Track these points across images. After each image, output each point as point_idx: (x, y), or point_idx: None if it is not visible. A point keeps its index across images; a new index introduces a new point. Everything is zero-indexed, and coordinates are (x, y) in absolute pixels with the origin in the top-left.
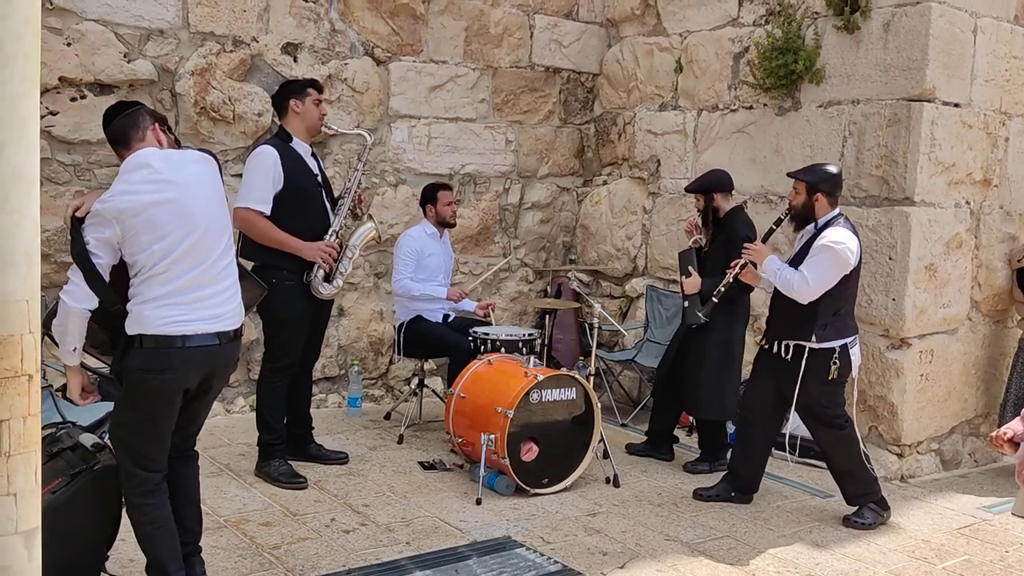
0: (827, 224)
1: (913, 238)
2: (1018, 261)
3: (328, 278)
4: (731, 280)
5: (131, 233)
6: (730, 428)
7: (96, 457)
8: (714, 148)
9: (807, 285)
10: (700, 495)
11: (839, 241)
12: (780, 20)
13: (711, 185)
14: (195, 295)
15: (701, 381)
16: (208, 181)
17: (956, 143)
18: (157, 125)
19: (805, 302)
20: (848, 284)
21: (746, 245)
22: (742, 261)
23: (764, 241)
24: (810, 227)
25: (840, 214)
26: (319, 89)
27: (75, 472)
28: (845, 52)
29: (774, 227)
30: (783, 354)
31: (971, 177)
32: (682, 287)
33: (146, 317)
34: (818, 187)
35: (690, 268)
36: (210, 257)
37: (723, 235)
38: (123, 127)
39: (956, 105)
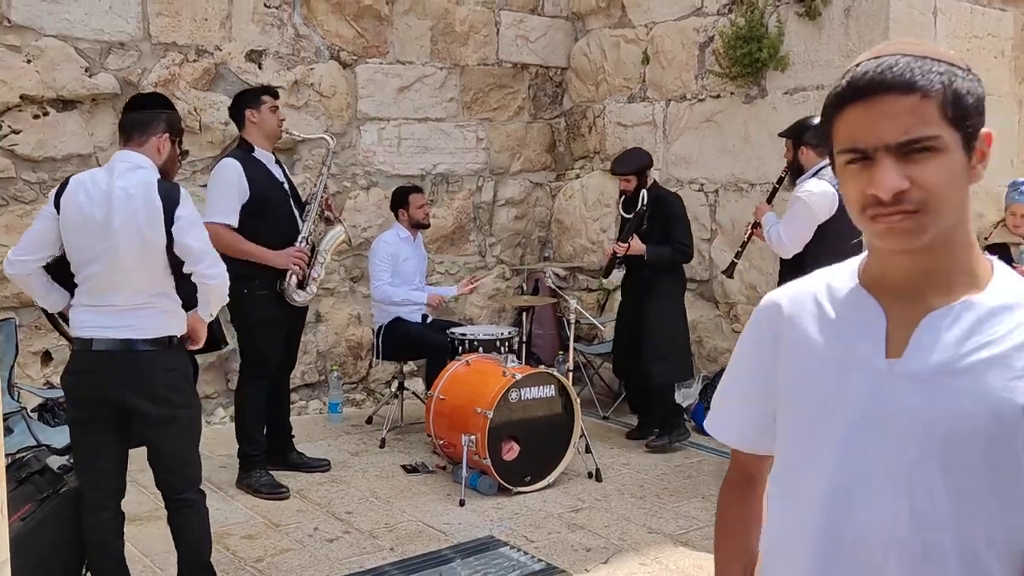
0: (811, 176)
1: None
2: (985, 239)
3: (301, 285)
4: (747, 240)
5: (64, 224)
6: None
7: (63, 479)
8: (684, 138)
9: (783, 240)
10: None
11: (809, 191)
12: (743, 9)
13: (645, 164)
14: (108, 304)
15: (658, 348)
16: (142, 215)
17: None
18: (166, 136)
19: (788, 256)
20: (825, 235)
21: (757, 206)
22: (753, 221)
23: (769, 201)
24: (801, 179)
25: (827, 164)
26: (274, 95)
27: (43, 496)
28: (808, 39)
29: (776, 185)
30: None
31: None
32: (615, 251)
33: (73, 321)
34: (802, 140)
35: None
36: (129, 284)
37: (660, 210)
38: (132, 122)
39: None
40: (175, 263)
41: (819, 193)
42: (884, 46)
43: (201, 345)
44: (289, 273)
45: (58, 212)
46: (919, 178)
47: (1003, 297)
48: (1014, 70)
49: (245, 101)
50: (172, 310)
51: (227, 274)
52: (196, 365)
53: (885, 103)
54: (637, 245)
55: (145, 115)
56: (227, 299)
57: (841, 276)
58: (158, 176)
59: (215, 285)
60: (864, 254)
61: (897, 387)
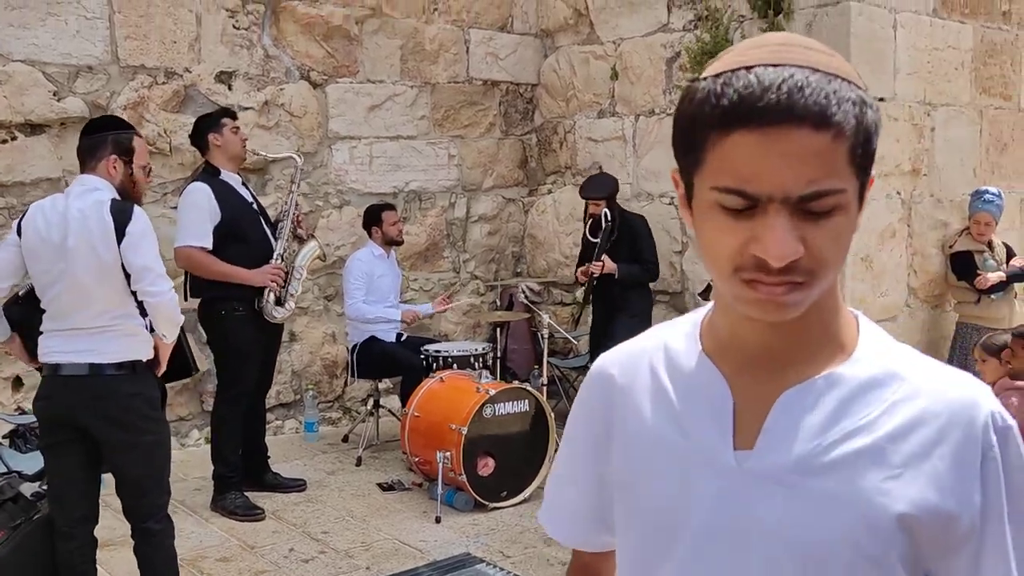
0: None
1: None
2: (950, 247)
3: (279, 301)
4: None
5: (25, 249)
6: None
7: (36, 507)
8: (653, 152)
9: None
10: None
11: None
12: (708, 24)
13: (615, 189)
14: (72, 328)
15: None
16: (96, 234)
17: (883, 136)
18: (115, 157)
19: None
20: None
21: None
22: None
23: None
24: None
25: None
26: (233, 117)
27: (16, 524)
28: None
29: None
30: None
31: (900, 168)
32: (591, 271)
33: (40, 347)
34: None
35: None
36: (91, 305)
37: (628, 230)
38: (82, 148)
39: (881, 99)
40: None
41: None
42: (781, 46)
43: (163, 370)
44: (267, 290)
45: (20, 238)
46: (813, 243)
47: (871, 367)
48: (974, 81)
49: (206, 126)
50: (136, 333)
51: (173, 293)
52: (164, 390)
53: (791, 139)
54: (610, 264)
55: (92, 140)
56: (178, 319)
57: (680, 337)
58: (114, 196)
59: (156, 303)
60: (709, 306)
61: (748, 490)
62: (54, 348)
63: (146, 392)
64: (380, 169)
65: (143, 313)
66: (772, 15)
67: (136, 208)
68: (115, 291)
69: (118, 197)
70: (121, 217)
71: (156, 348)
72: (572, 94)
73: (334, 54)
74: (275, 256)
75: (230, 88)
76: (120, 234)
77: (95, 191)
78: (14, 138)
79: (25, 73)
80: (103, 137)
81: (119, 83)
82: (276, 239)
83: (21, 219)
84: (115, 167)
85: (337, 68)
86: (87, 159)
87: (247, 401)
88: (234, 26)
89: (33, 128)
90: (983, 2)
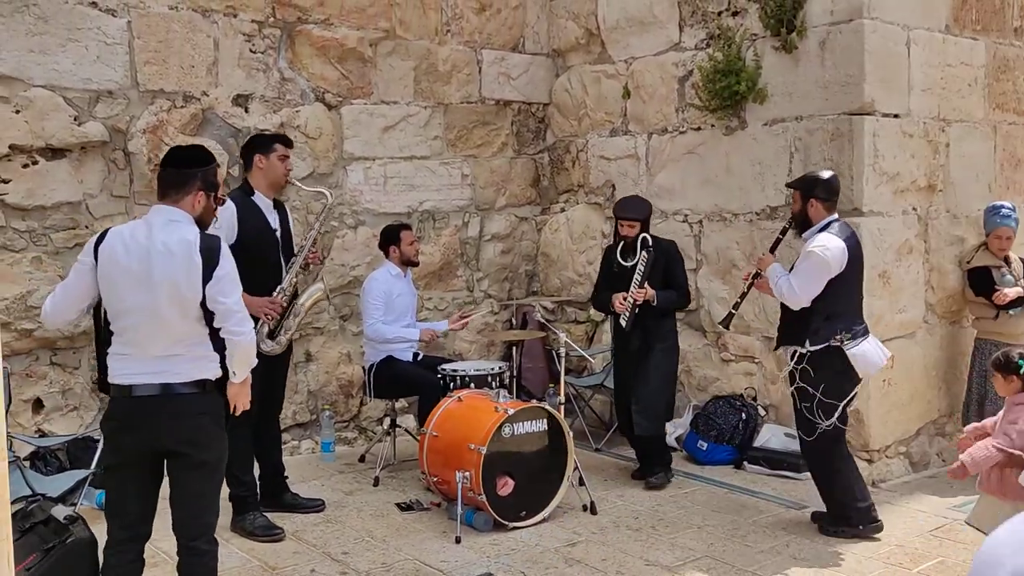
0: (821, 230)
1: (865, 247)
2: (968, 262)
3: (272, 335)
4: (746, 290)
5: (101, 274)
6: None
7: (69, 530)
8: (666, 170)
9: (795, 292)
10: None
11: (822, 245)
12: (720, 43)
13: (650, 212)
14: (145, 355)
15: (654, 396)
16: (181, 272)
17: (898, 153)
18: (202, 193)
19: (796, 308)
20: (837, 288)
21: (760, 257)
22: (754, 271)
23: (772, 251)
24: (808, 232)
25: (836, 219)
26: (287, 144)
27: (49, 547)
28: (785, 71)
29: (780, 236)
30: (788, 359)
31: (916, 184)
32: (634, 299)
33: (110, 368)
34: (811, 193)
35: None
36: (167, 336)
37: (661, 256)
38: (167, 179)
39: (895, 116)
40: (209, 315)
41: (833, 248)
42: None
43: (240, 408)
44: (260, 322)
45: (96, 262)
46: None
47: None
48: (987, 97)
49: (257, 145)
50: (206, 355)
51: (253, 334)
52: (228, 410)
53: None
54: (649, 291)
55: (181, 175)
56: (253, 360)
57: None
58: (197, 231)
59: (239, 342)
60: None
61: None
62: (125, 370)
63: (214, 410)
64: (394, 189)
65: (215, 343)
66: (785, 33)
67: (224, 250)
68: (190, 324)
69: (198, 229)
70: (210, 257)
71: (231, 393)
72: (584, 113)
73: (348, 76)
74: (278, 290)
75: (247, 111)
76: (208, 276)
77: (178, 224)
78: (35, 162)
79: (46, 98)
80: (193, 173)
81: (138, 107)
82: (286, 272)
83: (98, 243)
84: (199, 201)
85: (352, 90)
86: (171, 191)
87: (251, 421)
88: (251, 50)
89: (54, 152)
90: (995, 18)
